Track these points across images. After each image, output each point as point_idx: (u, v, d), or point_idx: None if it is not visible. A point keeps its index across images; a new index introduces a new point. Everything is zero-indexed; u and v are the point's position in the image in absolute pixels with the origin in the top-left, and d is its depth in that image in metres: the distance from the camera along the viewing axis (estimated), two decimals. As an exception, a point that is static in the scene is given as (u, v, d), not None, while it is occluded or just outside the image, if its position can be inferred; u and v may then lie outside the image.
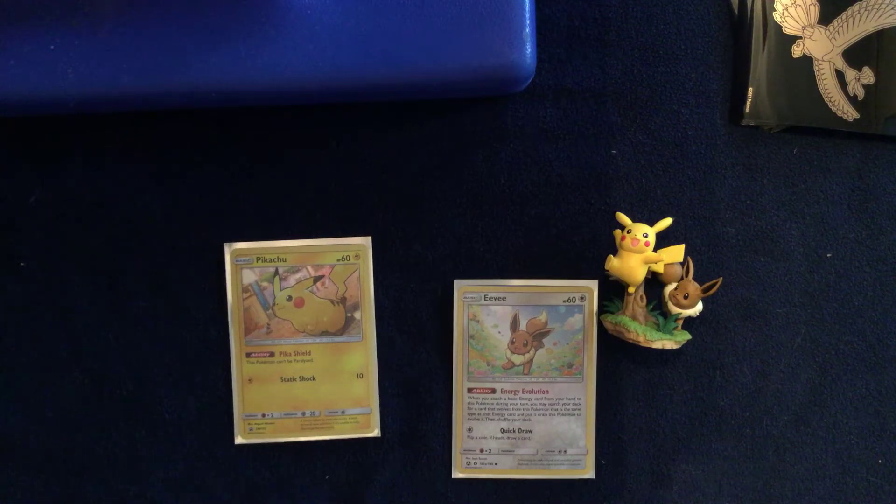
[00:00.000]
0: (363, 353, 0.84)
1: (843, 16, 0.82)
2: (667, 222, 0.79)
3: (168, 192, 0.84)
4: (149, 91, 0.73)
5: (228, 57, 0.72)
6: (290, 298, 0.83)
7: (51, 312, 0.84)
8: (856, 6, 0.81)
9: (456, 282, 0.83)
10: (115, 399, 0.84)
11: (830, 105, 0.82)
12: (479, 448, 0.84)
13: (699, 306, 0.81)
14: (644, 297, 0.81)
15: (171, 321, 0.84)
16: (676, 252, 0.80)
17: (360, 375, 0.84)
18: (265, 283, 0.83)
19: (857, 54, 0.82)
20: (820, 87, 0.82)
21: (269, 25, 0.73)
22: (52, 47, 0.72)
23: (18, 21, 0.72)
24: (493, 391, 0.84)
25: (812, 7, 0.82)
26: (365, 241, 0.84)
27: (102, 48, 0.72)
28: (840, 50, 0.82)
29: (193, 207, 0.84)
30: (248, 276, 0.83)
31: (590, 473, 0.84)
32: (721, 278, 0.82)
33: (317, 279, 0.83)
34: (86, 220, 0.84)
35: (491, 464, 0.84)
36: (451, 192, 0.84)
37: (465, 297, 0.83)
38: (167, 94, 0.73)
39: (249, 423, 0.84)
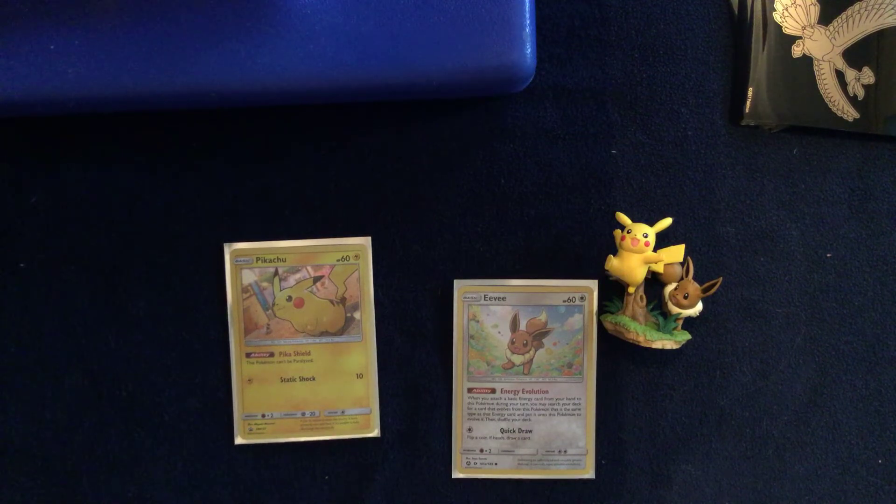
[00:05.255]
0: (363, 354, 0.84)
1: (843, 16, 0.82)
2: (667, 222, 0.79)
3: (168, 192, 0.84)
4: (149, 91, 0.73)
5: (228, 57, 0.72)
6: (289, 299, 0.83)
7: (51, 313, 0.84)
8: (856, 6, 0.81)
9: (456, 282, 0.83)
10: (115, 399, 0.84)
11: (830, 105, 0.82)
12: (479, 448, 0.84)
13: (699, 306, 0.81)
14: (644, 297, 0.81)
15: (171, 321, 0.84)
16: (676, 252, 0.80)
17: (359, 375, 0.84)
18: (265, 284, 0.83)
19: (857, 54, 0.82)
20: (820, 87, 0.82)
21: (269, 25, 0.73)
22: (52, 47, 0.72)
23: (18, 21, 0.72)
24: (493, 391, 0.84)
25: (812, 7, 0.82)
26: (365, 241, 0.83)
27: (102, 48, 0.72)
28: (840, 50, 0.82)
29: (193, 207, 0.84)
30: (248, 277, 0.83)
31: (590, 473, 0.84)
32: (721, 278, 0.82)
33: (316, 279, 0.83)
34: (86, 220, 0.84)
35: (491, 464, 0.84)
36: (451, 192, 0.84)
37: (465, 297, 0.83)
38: (167, 94, 0.73)
39: (249, 424, 0.84)
